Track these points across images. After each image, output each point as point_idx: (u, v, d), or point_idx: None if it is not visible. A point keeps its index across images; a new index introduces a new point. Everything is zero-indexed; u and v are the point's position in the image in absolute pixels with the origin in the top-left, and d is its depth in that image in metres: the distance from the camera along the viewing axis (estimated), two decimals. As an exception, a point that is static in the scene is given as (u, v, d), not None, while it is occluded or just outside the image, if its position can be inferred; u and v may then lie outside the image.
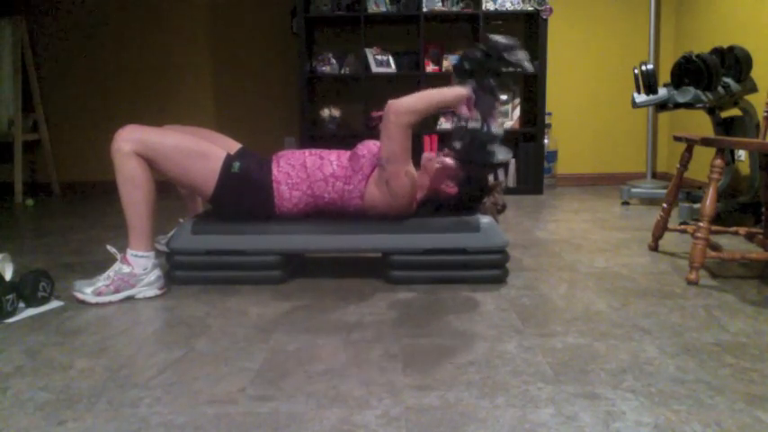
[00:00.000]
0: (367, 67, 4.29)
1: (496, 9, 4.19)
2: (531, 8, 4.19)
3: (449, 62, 4.36)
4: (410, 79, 4.51)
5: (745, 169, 3.52)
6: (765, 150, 2.09)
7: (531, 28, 4.40)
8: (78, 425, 1.20)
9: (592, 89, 4.66)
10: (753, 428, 1.15)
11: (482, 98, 1.92)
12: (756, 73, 3.30)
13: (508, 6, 4.21)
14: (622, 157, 4.74)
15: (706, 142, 2.21)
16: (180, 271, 2.15)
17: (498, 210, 2.22)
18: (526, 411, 1.23)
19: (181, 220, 2.63)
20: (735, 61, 3.10)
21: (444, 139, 4.31)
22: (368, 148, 2.10)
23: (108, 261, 2.48)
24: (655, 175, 4.72)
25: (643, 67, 3.33)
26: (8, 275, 1.95)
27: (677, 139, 2.50)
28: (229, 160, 2.06)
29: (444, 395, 1.30)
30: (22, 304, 1.90)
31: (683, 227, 2.54)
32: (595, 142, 4.72)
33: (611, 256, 2.50)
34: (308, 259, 2.50)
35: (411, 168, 2.05)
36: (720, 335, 1.63)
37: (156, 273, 2.03)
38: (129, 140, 1.94)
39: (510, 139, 4.43)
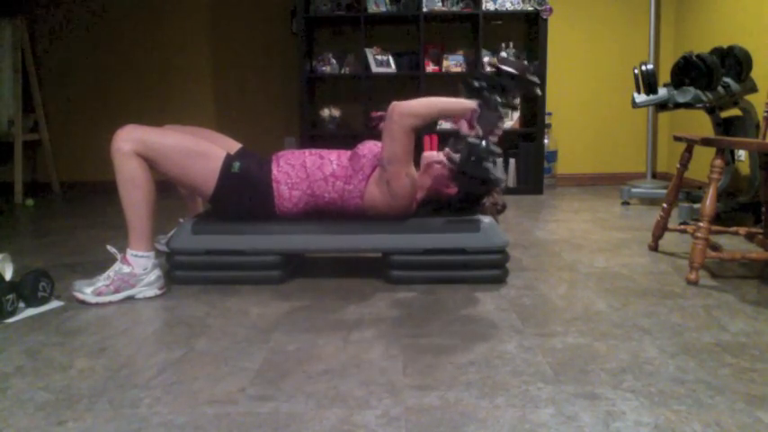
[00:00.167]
0: (367, 67, 4.29)
1: (496, 9, 4.19)
2: (531, 8, 4.19)
3: (449, 62, 4.36)
4: (410, 79, 4.51)
5: (745, 169, 3.52)
6: (765, 150, 2.09)
7: (531, 28, 4.40)
8: (78, 425, 1.20)
9: (592, 89, 4.66)
10: (753, 428, 1.15)
11: (486, 114, 1.94)
12: (756, 73, 3.30)
13: (508, 6, 4.21)
14: (622, 157, 4.73)
15: (706, 142, 2.21)
16: (180, 271, 2.15)
17: (498, 210, 2.23)
18: (526, 411, 1.23)
19: (181, 220, 2.63)
20: (735, 61, 3.10)
21: (444, 140, 4.31)
22: (368, 148, 2.10)
23: (108, 261, 2.48)
24: (655, 175, 4.72)
25: (643, 67, 3.33)
26: (8, 275, 1.95)
27: (677, 139, 2.50)
28: (229, 160, 2.06)
29: (444, 395, 1.30)
30: (22, 304, 1.90)
31: (683, 227, 2.54)
32: (595, 142, 4.72)
33: (611, 256, 2.50)
34: (307, 259, 2.50)
35: (412, 169, 2.04)
36: (720, 335, 1.63)
37: (156, 273, 2.03)
38: (129, 140, 1.94)
39: (510, 139, 4.44)
